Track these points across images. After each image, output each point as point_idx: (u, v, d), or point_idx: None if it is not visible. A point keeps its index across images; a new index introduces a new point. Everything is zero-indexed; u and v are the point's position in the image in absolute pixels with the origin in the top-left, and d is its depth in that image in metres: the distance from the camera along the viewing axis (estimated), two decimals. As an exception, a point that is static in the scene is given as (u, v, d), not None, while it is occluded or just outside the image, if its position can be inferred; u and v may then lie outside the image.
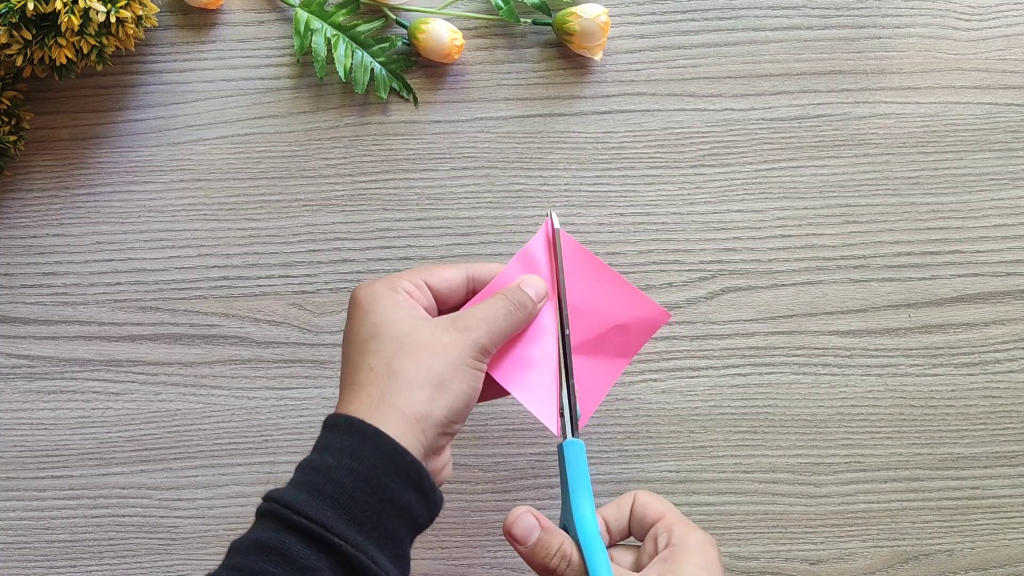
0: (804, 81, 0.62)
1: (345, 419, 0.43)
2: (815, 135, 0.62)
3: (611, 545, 0.50)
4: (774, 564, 0.60)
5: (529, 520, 0.47)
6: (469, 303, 0.49)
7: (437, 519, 0.61)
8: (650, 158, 0.62)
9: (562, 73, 0.63)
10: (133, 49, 0.60)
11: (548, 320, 0.50)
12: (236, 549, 0.41)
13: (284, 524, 0.40)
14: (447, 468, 0.47)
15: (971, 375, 0.61)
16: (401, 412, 0.42)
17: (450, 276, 0.48)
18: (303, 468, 0.42)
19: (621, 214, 0.62)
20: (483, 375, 0.46)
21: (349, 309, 0.47)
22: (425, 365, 0.43)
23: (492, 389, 0.50)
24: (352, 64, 0.61)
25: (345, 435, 0.42)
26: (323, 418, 0.59)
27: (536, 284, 0.49)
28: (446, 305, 0.49)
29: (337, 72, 0.61)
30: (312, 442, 0.60)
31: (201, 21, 0.63)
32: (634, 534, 0.50)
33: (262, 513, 0.42)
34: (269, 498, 0.41)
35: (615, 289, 0.52)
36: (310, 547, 0.40)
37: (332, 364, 0.61)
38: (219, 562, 0.41)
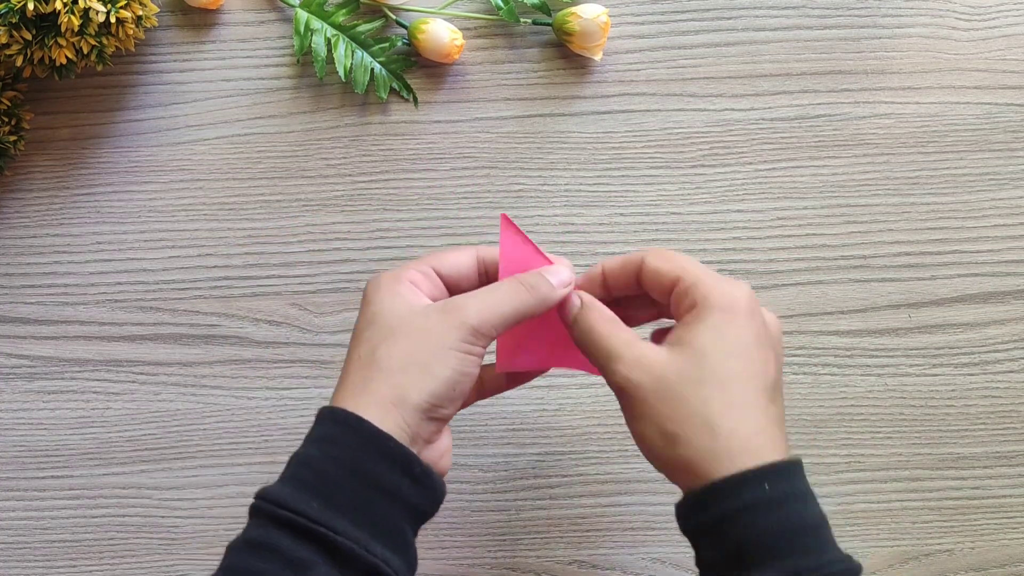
0: (804, 81, 0.62)
1: (328, 409, 0.42)
2: (815, 135, 0.62)
3: (610, 298, 0.46)
4: (774, 564, 0.60)
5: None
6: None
7: (438, 518, 0.61)
8: (650, 158, 0.62)
9: (562, 73, 0.63)
10: (133, 49, 0.60)
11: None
12: (230, 549, 0.41)
13: (271, 519, 0.40)
14: (445, 458, 0.45)
15: (971, 375, 0.61)
16: (380, 398, 0.41)
17: (458, 259, 0.46)
18: (291, 463, 0.42)
19: (621, 214, 0.62)
20: (476, 359, 0.43)
21: (361, 302, 0.46)
22: (406, 349, 0.42)
23: (502, 381, 0.48)
24: (352, 64, 0.61)
25: (328, 424, 0.42)
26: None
27: (560, 272, 0.45)
28: (458, 290, 0.46)
29: (337, 72, 0.61)
30: (312, 442, 0.60)
31: (201, 21, 0.63)
32: (658, 301, 0.45)
33: (252, 511, 0.41)
34: (258, 495, 0.41)
35: None
36: (299, 540, 0.39)
37: (332, 364, 0.61)
38: (219, 562, 0.41)
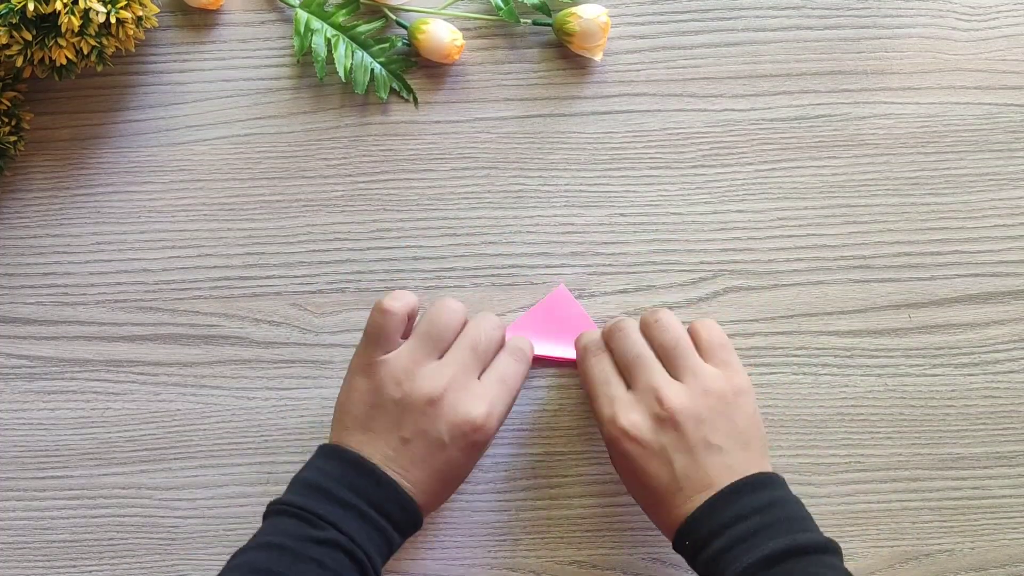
0: (804, 81, 0.62)
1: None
2: (815, 135, 0.62)
3: None
4: (774, 564, 0.60)
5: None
6: None
7: (438, 518, 0.61)
8: (650, 158, 0.62)
9: (562, 73, 0.63)
10: (133, 50, 0.60)
11: None
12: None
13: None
14: None
15: (971, 375, 0.61)
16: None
17: None
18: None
19: (621, 214, 0.62)
20: None
21: (472, 433, 0.51)
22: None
23: None
24: (352, 64, 0.61)
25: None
26: (323, 419, 0.60)
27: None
28: None
29: (337, 72, 0.61)
30: (312, 441, 0.60)
31: (201, 21, 0.63)
32: None
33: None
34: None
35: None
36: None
37: (332, 364, 0.61)
38: (220, 562, 0.40)
